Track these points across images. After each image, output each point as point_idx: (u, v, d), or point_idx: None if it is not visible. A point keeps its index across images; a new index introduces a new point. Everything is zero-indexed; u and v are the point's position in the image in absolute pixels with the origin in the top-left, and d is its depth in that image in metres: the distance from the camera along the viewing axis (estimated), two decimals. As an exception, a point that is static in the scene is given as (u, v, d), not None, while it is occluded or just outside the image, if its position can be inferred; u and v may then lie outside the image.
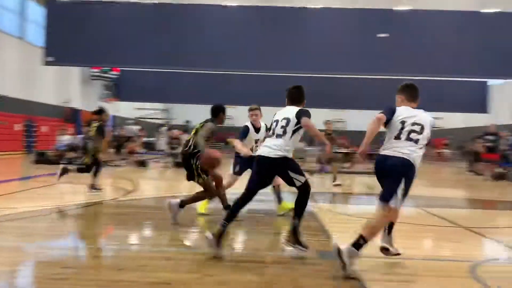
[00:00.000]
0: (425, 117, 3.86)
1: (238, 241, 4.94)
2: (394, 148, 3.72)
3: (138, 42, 12.44)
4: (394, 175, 3.67)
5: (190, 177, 5.59)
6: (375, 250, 4.48)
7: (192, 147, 5.47)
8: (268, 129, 4.50)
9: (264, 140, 5.13)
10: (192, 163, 5.47)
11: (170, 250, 4.33)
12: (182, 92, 22.08)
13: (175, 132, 15.35)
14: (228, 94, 21.37)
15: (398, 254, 3.98)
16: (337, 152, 11.80)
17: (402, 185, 3.63)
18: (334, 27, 12.72)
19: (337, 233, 5.28)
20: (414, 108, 3.95)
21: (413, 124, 3.75)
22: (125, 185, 9.39)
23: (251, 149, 6.09)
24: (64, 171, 7.73)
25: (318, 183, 12.34)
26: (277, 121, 4.23)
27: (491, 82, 22.28)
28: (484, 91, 21.76)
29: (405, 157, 3.65)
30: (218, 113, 5.72)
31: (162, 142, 16.24)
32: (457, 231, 5.81)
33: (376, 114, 3.80)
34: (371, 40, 12.50)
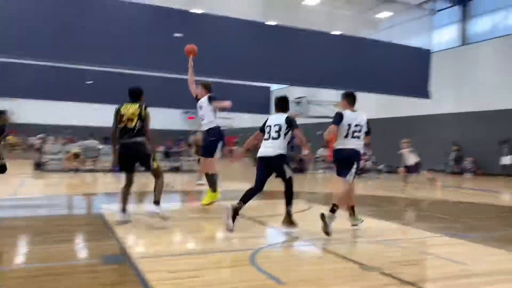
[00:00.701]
0: (362, 118, 5.50)
1: (1, 252, 4.20)
2: (346, 144, 5.40)
3: None
4: (350, 161, 5.40)
5: (145, 165, 5.59)
6: (159, 249, 4.42)
7: (137, 131, 5.43)
8: (261, 131, 5.57)
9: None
10: (145, 149, 5.47)
11: None
12: None
13: None
14: (7, 85, 18.53)
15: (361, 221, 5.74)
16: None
17: (355, 167, 5.37)
18: (129, 21, 12.22)
19: (125, 234, 5.02)
20: (353, 110, 5.53)
21: (356, 125, 5.41)
22: None
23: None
24: None
25: (111, 183, 11.76)
26: (270, 126, 5.44)
27: (273, 87, 25.02)
28: (267, 94, 24.26)
29: (355, 148, 5.40)
30: (141, 95, 5.74)
31: None
32: (242, 222, 6.22)
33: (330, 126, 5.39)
34: (166, 39, 12.46)
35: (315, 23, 18.24)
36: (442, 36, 21.08)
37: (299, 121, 23.14)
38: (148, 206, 5.56)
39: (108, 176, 13.63)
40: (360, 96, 19.76)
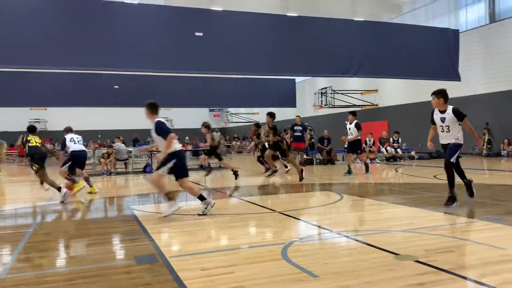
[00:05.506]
0: None
1: (38, 258, 4.32)
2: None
3: None
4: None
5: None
6: (191, 247, 4.46)
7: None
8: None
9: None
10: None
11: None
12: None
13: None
14: (40, 94, 19.18)
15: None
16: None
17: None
18: (151, 24, 12.34)
19: (157, 234, 5.09)
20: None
21: None
22: None
23: None
24: None
25: (143, 183, 11.95)
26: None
27: (297, 79, 24.81)
28: (292, 87, 24.08)
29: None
30: None
31: None
32: (272, 216, 6.21)
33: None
34: (190, 39, 12.52)
35: (336, 11, 17.95)
36: (469, 15, 20.38)
37: (324, 111, 22.85)
38: None
39: (139, 178, 13.89)
40: (387, 82, 19.38)
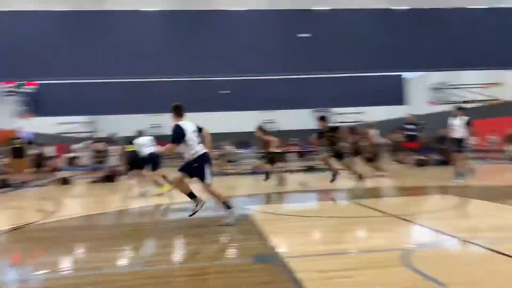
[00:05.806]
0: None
1: (165, 253, 4.67)
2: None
3: (51, 53, 11.59)
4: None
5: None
6: (307, 249, 4.46)
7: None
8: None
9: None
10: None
11: (107, 272, 3.97)
12: (107, 103, 21.12)
13: (100, 145, 14.56)
14: (157, 101, 20.88)
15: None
16: (274, 152, 11.60)
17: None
18: (257, 29, 12.72)
19: (272, 234, 5.19)
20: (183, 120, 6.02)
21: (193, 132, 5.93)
22: (48, 205, 8.68)
23: None
24: None
25: (253, 185, 12.28)
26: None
27: (405, 75, 23.58)
28: (399, 83, 22.96)
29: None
30: None
31: (85, 157, 15.26)
32: (386, 220, 5.97)
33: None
34: (293, 41, 12.65)
35: (451, 1, 16.64)
36: None
37: (441, 108, 21.07)
38: None
39: (248, 178, 14.31)
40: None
